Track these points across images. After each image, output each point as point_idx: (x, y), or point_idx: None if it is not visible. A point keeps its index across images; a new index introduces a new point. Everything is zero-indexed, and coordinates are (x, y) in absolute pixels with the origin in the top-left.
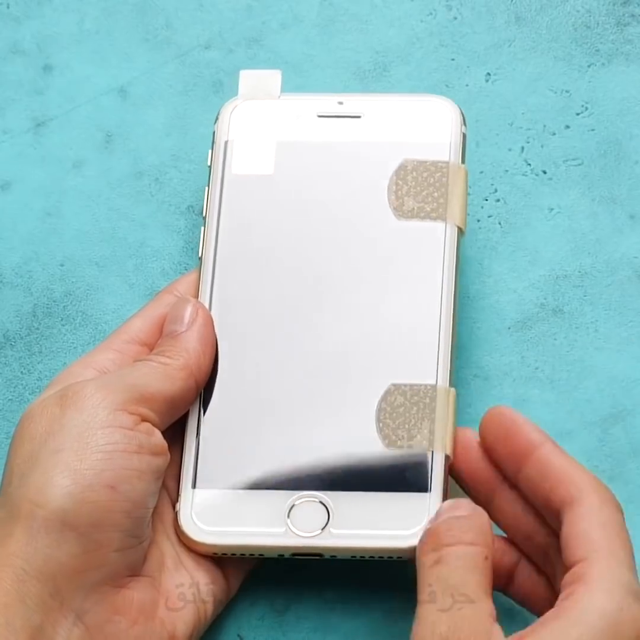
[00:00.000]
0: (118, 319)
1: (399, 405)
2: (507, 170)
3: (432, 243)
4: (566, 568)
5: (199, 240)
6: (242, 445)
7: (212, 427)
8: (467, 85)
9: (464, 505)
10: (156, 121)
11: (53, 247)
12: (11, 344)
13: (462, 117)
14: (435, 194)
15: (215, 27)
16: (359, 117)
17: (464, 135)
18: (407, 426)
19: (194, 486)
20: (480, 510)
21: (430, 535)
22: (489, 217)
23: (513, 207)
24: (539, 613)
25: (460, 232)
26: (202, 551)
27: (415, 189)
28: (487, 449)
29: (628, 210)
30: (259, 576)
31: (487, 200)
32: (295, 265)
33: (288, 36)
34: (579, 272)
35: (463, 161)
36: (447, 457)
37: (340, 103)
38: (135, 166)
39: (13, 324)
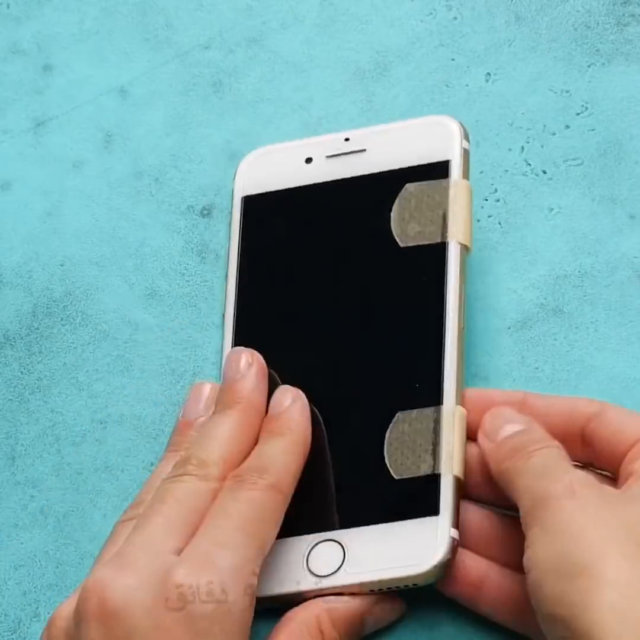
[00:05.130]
0: (118, 318)
1: (406, 433)
2: (507, 170)
3: (436, 264)
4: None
5: (224, 284)
6: None
7: None
8: (467, 85)
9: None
10: (156, 121)
11: (53, 247)
12: (11, 344)
13: (462, 133)
14: (437, 214)
15: (215, 27)
16: (364, 150)
17: (465, 151)
18: (415, 453)
19: None
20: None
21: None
22: (489, 217)
23: (513, 207)
24: (506, 622)
25: (465, 248)
26: None
27: (417, 213)
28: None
29: (628, 210)
30: None
31: (487, 200)
32: (306, 302)
33: (288, 36)
34: (579, 272)
35: (466, 176)
36: (456, 478)
37: (347, 140)
38: (135, 166)
39: (13, 324)
